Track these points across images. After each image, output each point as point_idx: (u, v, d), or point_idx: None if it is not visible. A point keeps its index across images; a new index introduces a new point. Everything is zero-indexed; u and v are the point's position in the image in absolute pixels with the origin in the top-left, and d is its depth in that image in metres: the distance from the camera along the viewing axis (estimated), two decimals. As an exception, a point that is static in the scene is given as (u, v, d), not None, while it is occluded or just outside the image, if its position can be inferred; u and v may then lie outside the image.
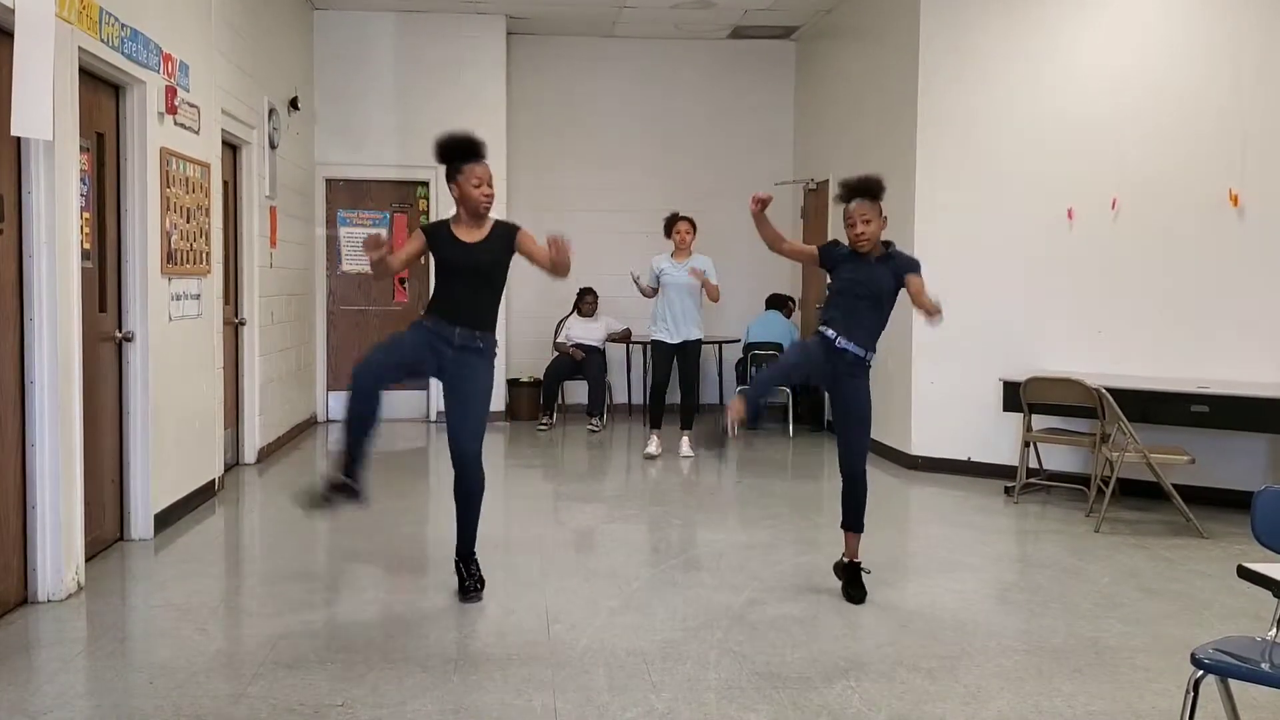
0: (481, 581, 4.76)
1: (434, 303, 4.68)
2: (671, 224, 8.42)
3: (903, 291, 4.65)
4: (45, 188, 4.44)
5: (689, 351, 8.33)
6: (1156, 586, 5.06)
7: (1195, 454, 6.25)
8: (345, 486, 4.52)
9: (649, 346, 8.73)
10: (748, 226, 11.77)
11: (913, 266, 4.64)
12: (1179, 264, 6.95)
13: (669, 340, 8.27)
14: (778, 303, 10.28)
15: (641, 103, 11.06)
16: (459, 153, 4.58)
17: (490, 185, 4.63)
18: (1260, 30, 6.66)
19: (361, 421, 4.50)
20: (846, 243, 4.71)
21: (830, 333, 4.62)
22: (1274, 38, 6.62)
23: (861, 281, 4.60)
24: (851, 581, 4.78)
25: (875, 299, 4.62)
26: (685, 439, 8.44)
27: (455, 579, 4.78)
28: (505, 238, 4.68)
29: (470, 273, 4.59)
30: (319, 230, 10.12)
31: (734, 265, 10.58)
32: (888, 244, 4.67)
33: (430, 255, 4.73)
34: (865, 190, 4.61)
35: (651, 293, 8.37)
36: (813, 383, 4.93)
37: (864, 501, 4.78)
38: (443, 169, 4.64)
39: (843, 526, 4.83)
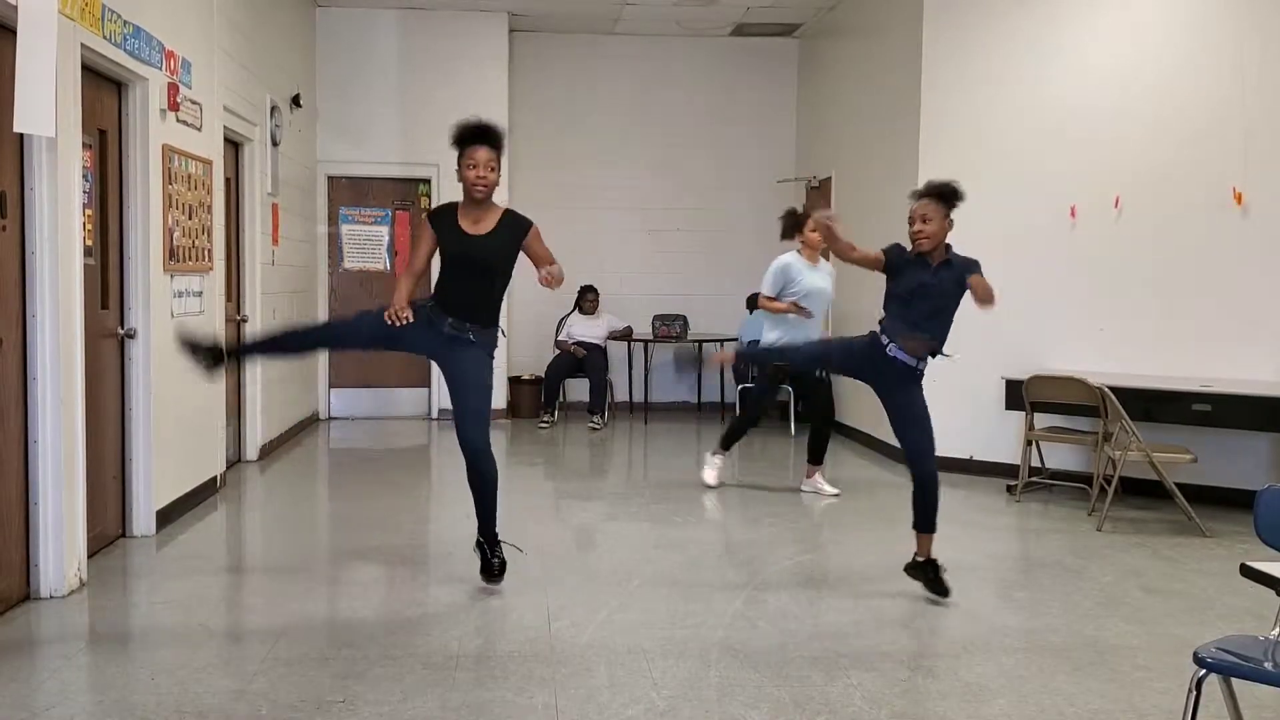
0: (503, 563, 4.74)
1: (435, 289, 4.65)
2: (797, 222, 6.78)
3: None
4: (48, 184, 4.44)
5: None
6: (1159, 585, 5.05)
7: (1198, 453, 6.24)
8: (217, 353, 4.66)
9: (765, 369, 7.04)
10: (749, 225, 11.74)
11: (974, 267, 4.65)
12: (1182, 262, 6.94)
13: None
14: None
15: (643, 100, 11.04)
16: (465, 137, 4.54)
17: (487, 169, 4.49)
18: (1263, 28, 6.65)
19: (285, 346, 4.70)
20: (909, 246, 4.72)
21: (884, 339, 4.63)
22: (1276, 36, 6.61)
23: (922, 288, 4.60)
24: (932, 580, 4.73)
25: (936, 306, 4.61)
26: (820, 475, 7.02)
27: (465, 568, 4.82)
28: (513, 232, 4.59)
29: (468, 265, 4.53)
30: (321, 228, 10.12)
31: (735, 264, 10.60)
32: (948, 248, 4.68)
33: None
34: (933, 192, 4.65)
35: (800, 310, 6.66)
36: (854, 377, 4.95)
37: (934, 503, 4.73)
38: (451, 163, 4.62)
39: (914, 527, 4.78)
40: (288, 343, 4.65)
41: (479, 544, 4.78)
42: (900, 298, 4.66)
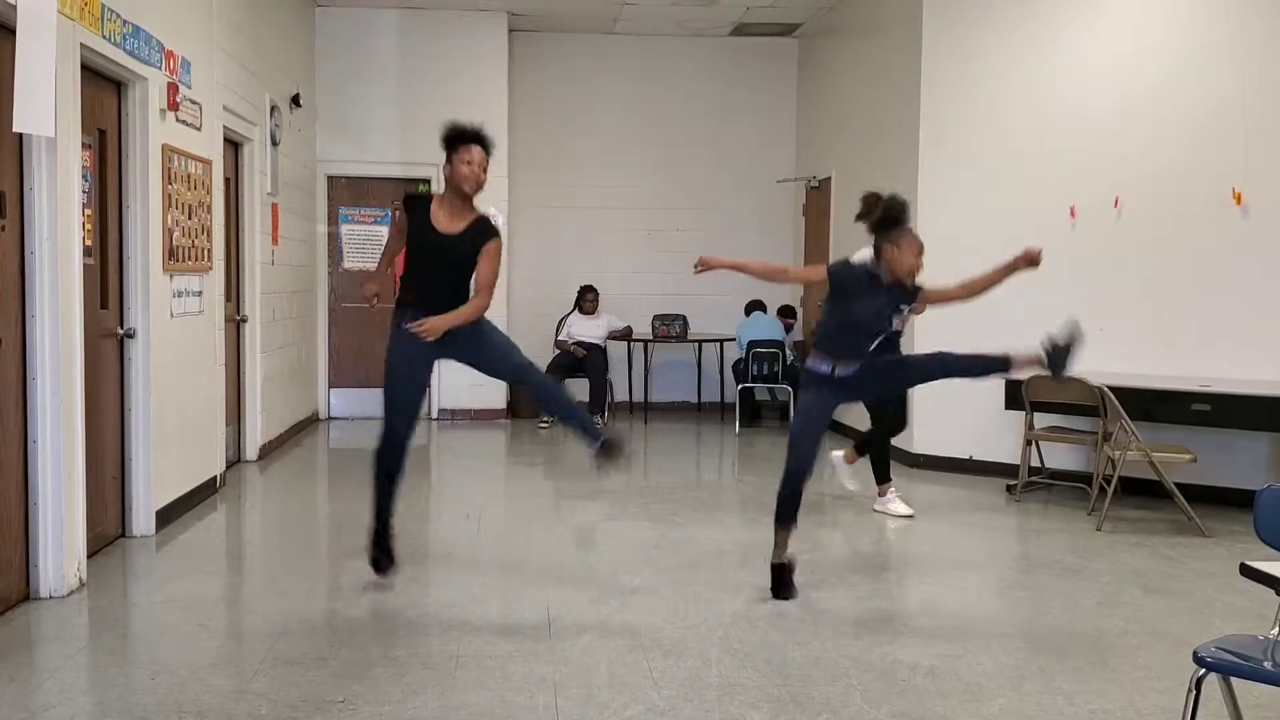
0: (610, 443, 4.70)
1: (404, 291, 4.65)
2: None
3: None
4: (47, 184, 4.44)
5: None
6: (1158, 585, 5.05)
7: (1197, 453, 6.24)
8: (379, 562, 4.82)
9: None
10: (747, 224, 11.74)
11: (919, 290, 4.60)
12: (1181, 262, 6.94)
13: None
14: (759, 306, 10.28)
15: (643, 100, 11.04)
16: (465, 135, 4.60)
17: (481, 168, 4.58)
18: (1263, 28, 6.65)
19: (389, 482, 4.78)
20: (859, 262, 4.62)
21: (825, 367, 4.57)
22: (1277, 35, 6.61)
23: (877, 314, 4.54)
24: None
25: (887, 327, 4.61)
26: (892, 491, 6.48)
27: (465, 568, 4.83)
28: (478, 240, 4.61)
29: (439, 264, 4.58)
30: (320, 227, 10.12)
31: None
32: None
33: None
34: (904, 216, 4.50)
35: None
36: (849, 402, 4.84)
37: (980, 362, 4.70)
38: (443, 161, 4.62)
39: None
40: (384, 480, 4.79)
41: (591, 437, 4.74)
42: (849, 320, 4.53)
